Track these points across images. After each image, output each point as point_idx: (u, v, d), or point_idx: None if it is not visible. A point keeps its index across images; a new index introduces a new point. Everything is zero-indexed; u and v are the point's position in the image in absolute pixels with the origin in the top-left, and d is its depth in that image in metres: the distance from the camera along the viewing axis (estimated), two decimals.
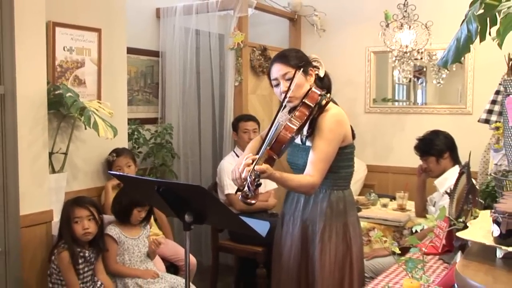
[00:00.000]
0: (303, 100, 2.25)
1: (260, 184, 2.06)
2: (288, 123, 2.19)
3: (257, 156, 2.10)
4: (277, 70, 2.33)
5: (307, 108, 2.23)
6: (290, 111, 2.30)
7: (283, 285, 2.47)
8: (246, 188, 2.06)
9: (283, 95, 2.28)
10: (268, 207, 3.87)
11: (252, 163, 2.07)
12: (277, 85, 2.34)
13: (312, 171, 2.25)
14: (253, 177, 2.03)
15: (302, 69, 2.28)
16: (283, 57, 2.34)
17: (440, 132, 3.36)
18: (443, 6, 4.28)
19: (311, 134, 2.33)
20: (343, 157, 2.36)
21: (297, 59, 2.31)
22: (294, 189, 2.34)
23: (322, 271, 2.34)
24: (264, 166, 2.09)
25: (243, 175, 2.08)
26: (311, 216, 2.38)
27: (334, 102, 2.40)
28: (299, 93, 2.28)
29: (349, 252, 2.38)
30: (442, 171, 3.26)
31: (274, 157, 2.16)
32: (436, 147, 3.27)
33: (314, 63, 2.39)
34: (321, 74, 2.39)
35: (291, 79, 2.27)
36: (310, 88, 2.29)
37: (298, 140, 2.43)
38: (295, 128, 2.18)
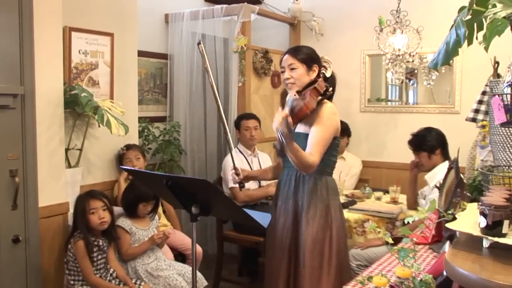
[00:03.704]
0: (314, 86, 2.41)
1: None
2: (307, 101, 2.35)
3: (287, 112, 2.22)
4: (285, 59, 2.52)
5: (317, 92, 2.40)
6: (299, 96, 2.42)
7: (276, 258, 2.56)
8: (276, 143, 2.31)
9: (285, 81, 2.51)
10: (268, 193, 3.84)
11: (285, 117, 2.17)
12: (283, 72, 2.53)
13: (312, 151, 2.37)
14: (286, 130, 2.17)
15: (305, 64, 2.48)
16: (294, 50, 2.53)
17: (433, 129, 3.34)
18: (433, 12, 4.28)
19: (301, 120, 2.46)
20: (331, 147, 2.49)
21: (305, 55, 2.50)
22: (299, 160, 2.35)
23: (306, 242, 2.46)
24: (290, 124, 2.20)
25: (274, 126, 2.21)
26: (301, 195, 2.50)
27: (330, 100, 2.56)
28: (299, 82, 2.47)
29: (329, 229, 2.48)
30: (433, 166, 3.25)
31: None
32: (428, 143, 3.25)
33: (324, 63, 2.56)
34: (328, 75, 2.55)
35: (293, 70, 2.47)
36: (319, 78, 2.46)
37: None
38: (313, 105, 2.36)
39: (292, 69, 2.47)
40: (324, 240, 2.46)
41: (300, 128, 2.50)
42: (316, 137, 2.39)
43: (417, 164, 3.33)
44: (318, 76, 2.51)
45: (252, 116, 3.98)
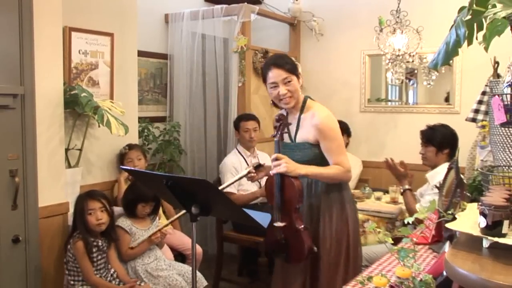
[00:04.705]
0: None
1: None
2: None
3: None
4: (277, 75, 2.42)
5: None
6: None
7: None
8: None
9: (281, 97, 2.43)
10: (255, 195, 3.77)
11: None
12: (275, 87, 2.44)
13: (338, 161, 2.41)
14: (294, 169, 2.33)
15: (295, 74, 2.45)
16: (280, 64, 2.44)
17: (449, 128, 3.30)
18: (433, 12, 4.28)
19: (297, 130, 2.48)
20: None
21: (291, 65, 2.46)
22: (330, 177, 2.42)
23: (325, 242, 2.46)
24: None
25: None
26: (315, 198, 2.49)
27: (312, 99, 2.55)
28: (296, 93, 2.45)
29: (346, 225, 2.50)
30: (435, 163, 3.23)
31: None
32: (438, 139, 3.23)
33: None
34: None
35: (289, 83, 2.42)
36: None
37: (287, 139, 2.51)
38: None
39: (288, 82, 2.42)
40: (342, 237, 2.48)
41: (299, 139, 2.48)
42: (334, 154, 2.41)
43: (422, 155, 3.31)
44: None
45: (251, 117, 3.96)
